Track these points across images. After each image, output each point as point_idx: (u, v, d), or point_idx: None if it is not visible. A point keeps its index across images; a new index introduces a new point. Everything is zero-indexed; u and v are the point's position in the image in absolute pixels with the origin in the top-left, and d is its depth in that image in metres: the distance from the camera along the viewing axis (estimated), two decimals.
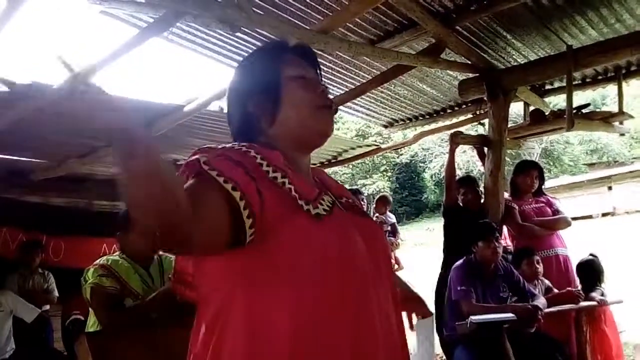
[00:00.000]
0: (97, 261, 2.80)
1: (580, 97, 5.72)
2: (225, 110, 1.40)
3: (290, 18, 3.98)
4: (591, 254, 4.65)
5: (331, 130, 1.28)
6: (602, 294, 4.26)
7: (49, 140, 4.98)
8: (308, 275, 1.07)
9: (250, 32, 4.16)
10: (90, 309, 2.81)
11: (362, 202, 1.25)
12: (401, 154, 33.70)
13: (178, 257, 1.30)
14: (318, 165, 6.79)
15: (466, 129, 6.25)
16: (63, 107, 0.91)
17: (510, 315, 3.68)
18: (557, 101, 10.00)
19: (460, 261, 4.03)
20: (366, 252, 1.16)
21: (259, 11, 3.68)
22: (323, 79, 1.37)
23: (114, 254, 2.91)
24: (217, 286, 1.11)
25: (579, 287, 4.36)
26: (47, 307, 5.60)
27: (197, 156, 1.06)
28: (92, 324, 2.79)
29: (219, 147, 1.14)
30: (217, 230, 1.00)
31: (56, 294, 5.75)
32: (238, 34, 3.76)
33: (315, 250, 1.08)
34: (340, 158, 7.07)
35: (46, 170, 6.00)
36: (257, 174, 1.08)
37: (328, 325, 1.07)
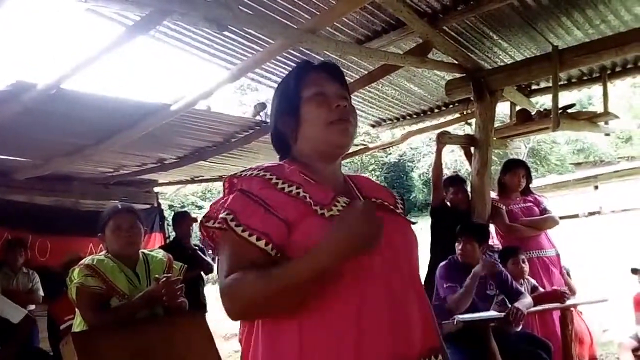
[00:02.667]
0: (83, 261, 2.78)
1: (566, 97, 5.76)
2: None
3: (277, 17, 3.96)
4: None
5: (346, 141, 1.41)
6: None
7: (34, 139, 4.94)
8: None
9: (237, 30, 4.15)
10: (76, 309, 2.79)
11: (398, 202, 1.33)
12: (389, 154, 33.70)
13: None
14: None
15: (453, 129, 6.28)
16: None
17: (496, 313, 3.71)
18: (543, 101, 10.05)
19: (445, 261, 4.05)
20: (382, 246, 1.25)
21: (246, 10, 3.67)
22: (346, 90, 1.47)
23: (100, 254, 2.89)
24: None
25: (566, 287, 4.41)
26: (32, 307, 5.55)
27: (226, 212, 1.25)
28: (77, 323, 2.77)
29: (246, 177, 1.32)
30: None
31: (41, 293, 5.70)
32: (225, 32, 3.74)
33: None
34: None
35: (31, 169, 5.95)
36: (273, 196, 1.27)
37: (329, 306, 1.20)
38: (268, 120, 5.48)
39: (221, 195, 1.36)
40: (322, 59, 4.72)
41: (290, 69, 1.57)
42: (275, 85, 1.56)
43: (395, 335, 1.23)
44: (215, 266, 6.14)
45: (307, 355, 1.19)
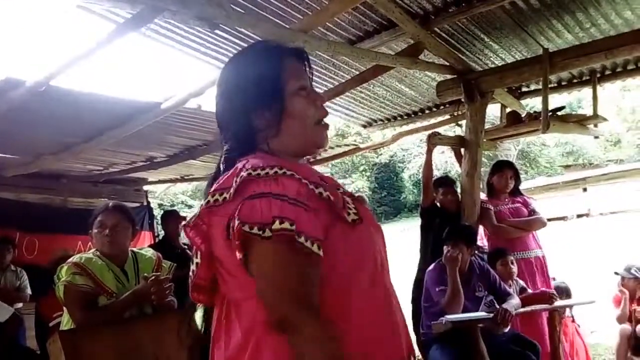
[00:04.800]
0: (71, 259, 2.76)
1: (556, 100, 5.80)
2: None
3: (269, 16, 3.96)
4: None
5: (326, 143, 1.40)
6: None
7: (23, 136, 4.91)
8: (348, 274, 1.20)
9: (229, 29, 4.14)
10: (64, 307, 2.77)
11: None
12: (380, 154, 33.77)
13: (199, 269, 1.31)
14: None
15: (444, 130, 6.29)
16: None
17: (484, 314, 3.72)
18: (534, 103, 10.10)
19: (433, 265, 4.06)
20: (382, 246, 1.30)
21: (238, 9, 3.66)
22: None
23: (89, 252, 2.87)
24: (249, 296, 1.17)
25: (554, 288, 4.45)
26: (20, 305, 5.52)
27: (287, 223, 1.10)
28: (65, 322, 2.75)
29: (269, 176, 1.16)
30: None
31: (29, 291, 5.67)
32: (217, 31, 3.73)
33: (353, 252, 1.21)
34: (319, 157, 7.07)
35: (20, 166, 5.91)
36: (312, 198, 1.17)
37: (371, 319, 1.21)
38: None
39: (228, 197, 1.18)
40: (316, 60, 4.72)
41: (255, 52, 1.42)
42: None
43: (394, 333, 1.26)
44: None
45: None
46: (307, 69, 1.39)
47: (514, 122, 5.46)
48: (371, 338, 1.20)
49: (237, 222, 1.12)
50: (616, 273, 5.00)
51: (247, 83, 1.32)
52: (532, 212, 4.73)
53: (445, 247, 3.96)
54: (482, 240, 5.04)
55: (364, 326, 1.19)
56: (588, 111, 5.78)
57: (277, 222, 1.10)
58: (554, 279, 5.09)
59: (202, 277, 1.29)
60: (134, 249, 2.95)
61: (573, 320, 5.11)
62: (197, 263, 1.27)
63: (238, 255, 1.13)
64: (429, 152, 5.00)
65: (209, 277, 1.29)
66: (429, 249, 4.73)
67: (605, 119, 5.61)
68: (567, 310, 4.94)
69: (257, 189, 1.14)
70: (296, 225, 1.10)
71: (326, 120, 1.40)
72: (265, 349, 1.15)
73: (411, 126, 6.92)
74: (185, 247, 5.78)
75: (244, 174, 1.16)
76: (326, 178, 1.32)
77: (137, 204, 7.89)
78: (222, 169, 1.32)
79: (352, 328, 1.17)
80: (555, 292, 4.28)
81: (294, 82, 1.33)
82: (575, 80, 5.71)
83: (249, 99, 1.31)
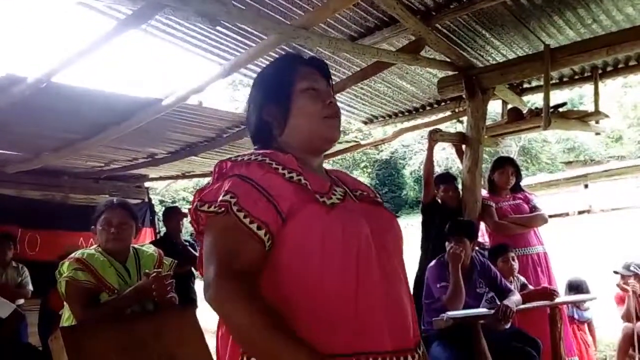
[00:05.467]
0: (73, 255, 2.77)
1: (557, 96, 5.79)
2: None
3: (270, 13, 3.96)
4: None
5: (337, 136, 1.45)
6: None
7: (24, 132, 4.91)
8: (317, 250, 1.21)
9: (230, 26, 4.13)
10: (65, 303, 2.78)
11: (377, 194, 1.43)
12: (381, 151, 33.74)
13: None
14: None
15: (445, 127, 6.30)
16: None
17: (485, 310, 3.72)
18: (535, 100, 10.10)
19: (434, 261, 4.06)
20: (370, 233, 1.28)
21: (239, 5, 3.65)
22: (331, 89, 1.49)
23: (91, 248, 2.88)
24: None
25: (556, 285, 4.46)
26: (22, 301, 5.53)
27: (229, 195, 1.21)
28: (66, 318, 2.76)
29: (244, 161, 1.29)
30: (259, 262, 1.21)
31: (30, 288, 5.68)
32: (218, 27, 3.73)
33: (324, 229, 1.22)
34: None
35: (21, 163, 5.92)
36: (277, 184, 1.24)
37: (332, 288, 1.20)
38: None
39: (211, 182, 1.32)
40: (312, 53, 4.72)
41: (276, 59, 1.56)
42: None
43: (391, 318, 1.25)
44: None
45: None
46: (324, 77, 1.47)
47: (515, 118, 5.45)
48: (328, 324, 1.18)
49: (193, 200, 1.27)
50: (615, 272, 4.99)
51: (263, 82, 1.48)
52: (533, 208, 4.72)
53: (447, 243, 3.96)
54: (482, 236, 5.04)
55: (323, 310, 1.19)
56: (589, 107, 5.78)
57: (222, 194, 1.21)
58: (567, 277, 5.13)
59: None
60: (135, 246, 2.96)
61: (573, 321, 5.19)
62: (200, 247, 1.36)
63: (195, 230, 1.29)
64: (430, 149, 4.99)
65: None
66: (430, 245, 4.73)
67: (606, 116, 5.60)
68: (573, 310, 5.03)
69: (231, 171, 1.27)
70: (238, 200, 1.19)
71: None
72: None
73: (412, 123, 6.91)
74: (187, 243, 5.79)
75: (227, 160, 1.31)
76: (334, 172, 1.49)
77: (139, 201, 7.90)
78: None
79: (306, 312, 1.18)
80: (556, 289, 4.29)
81: (304, 82, 1.41)
82: (576, 77, 5.70)
83: (262, 95, 1.45)
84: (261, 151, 1.32)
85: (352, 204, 1.36)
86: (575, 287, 5.31)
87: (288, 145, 1.39)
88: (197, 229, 1.30)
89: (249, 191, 1.21)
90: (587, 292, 5.29)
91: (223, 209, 1.19)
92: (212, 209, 1.22)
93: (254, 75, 5.25)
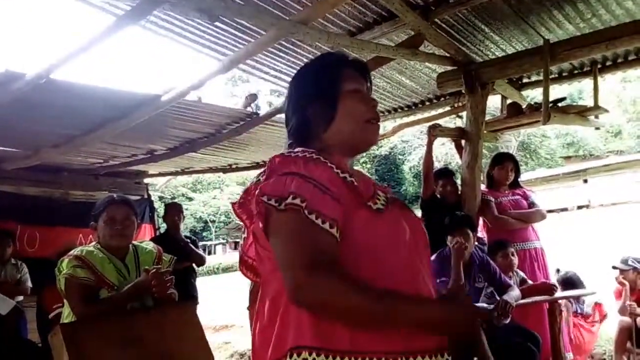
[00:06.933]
0: (72, 252, 2.77)
1: (557, 91, 5.78)
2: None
3: (269, 8, 3.94)
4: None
5: (377, 141, 1.48)
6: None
7: (23, 129, 4.90)
8: (372, 255, 1.25)
9: (229, 21, 4.12)
10: (64, 300, 2.78)
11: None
12: (380, 146, 33.80)
13: (244, 246, 1.45)
14: None
15: (445, 122, 6.28)
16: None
17: (485, 305, 3.73)
18: (534, 95, 10.10)
19: (434, 256, 4.05)
20: (412, 238, 1.35)
21: (237, 0, 3.64)
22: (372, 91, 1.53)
23: (90, 244, 2.88)
24: (275, 268, 1.24)
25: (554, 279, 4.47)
26: (21, 298, 5.53)
27: (298, 200, 1.21)
28: (66, 315, 2.76)
29: (300, 161, 1.28)
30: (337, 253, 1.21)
31: (29, 284, 5.68)
32: (216, 23, 3.72)
33: (375, 237, 1.27)
34: None
35: (20, 159, 5.91)
36: (336, 183, 1.26)
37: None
38: (259, 111, 5.48)
39: (263, 174, 1.31)
40: (317, 52, 4.72)
41: (319, 57, 1.58)
42: (266, 77, 1.56)
43: None
44: (206, 258, 6.15)
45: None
46: (366, 81, 1.49)
47: (514, 113, 5.45)
48: None
49: (258, 194, 1.24)
50: (614, 267, 5.01)
51: (307, 80, 1.48)
52: (531, 204, 4.75)
53: (451, 237, 3.94)
54: (481, 232, 5.05)
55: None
56: (589, 102, 5.77)
57: (291, 197, 1.20)
58: (558, 270, 5.12)
59: (247, 253, 1.43)
60: (135, 242, 2.95)
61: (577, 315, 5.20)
62: (244, 238, 1.42)
63: (260, 225, 1.25)
64: (430, 144, 4.99)
65: (253, 255, 1.39)
66: (430, 240, 4.72)
67: (606, 110, 5.60)
68: (575, 305, 5.02)
69: (288, 169, 1.26)
70: (307, 203, 1.19)
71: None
72: (289, 320, 1.22)
73: (412, 118, 6.90)
74: (188, 240, 5.80)
75: (280, 156, 1.30)
76: (356, 172, 1.45)
77: (138, 197, 7.89)
78: None
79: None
80: (555, 284, 4.30)
81: (350, 84, 1.43)
82: (576, 71, 5.69)
83: (307, 93, 1.45)
84: (307, 149, 1.32)
85: (393, 209, 1.38)
86: (571, 282, 5.32)
87: (329, 144, 1.40)
88: (253, 222, 1.32)
89: (314, 192, 1.22)
90: (581, 285, 5.30)
91: (294, 210, 1.20)
92: (282, 206, 1.21)
93: (253, 71, 5.28)
